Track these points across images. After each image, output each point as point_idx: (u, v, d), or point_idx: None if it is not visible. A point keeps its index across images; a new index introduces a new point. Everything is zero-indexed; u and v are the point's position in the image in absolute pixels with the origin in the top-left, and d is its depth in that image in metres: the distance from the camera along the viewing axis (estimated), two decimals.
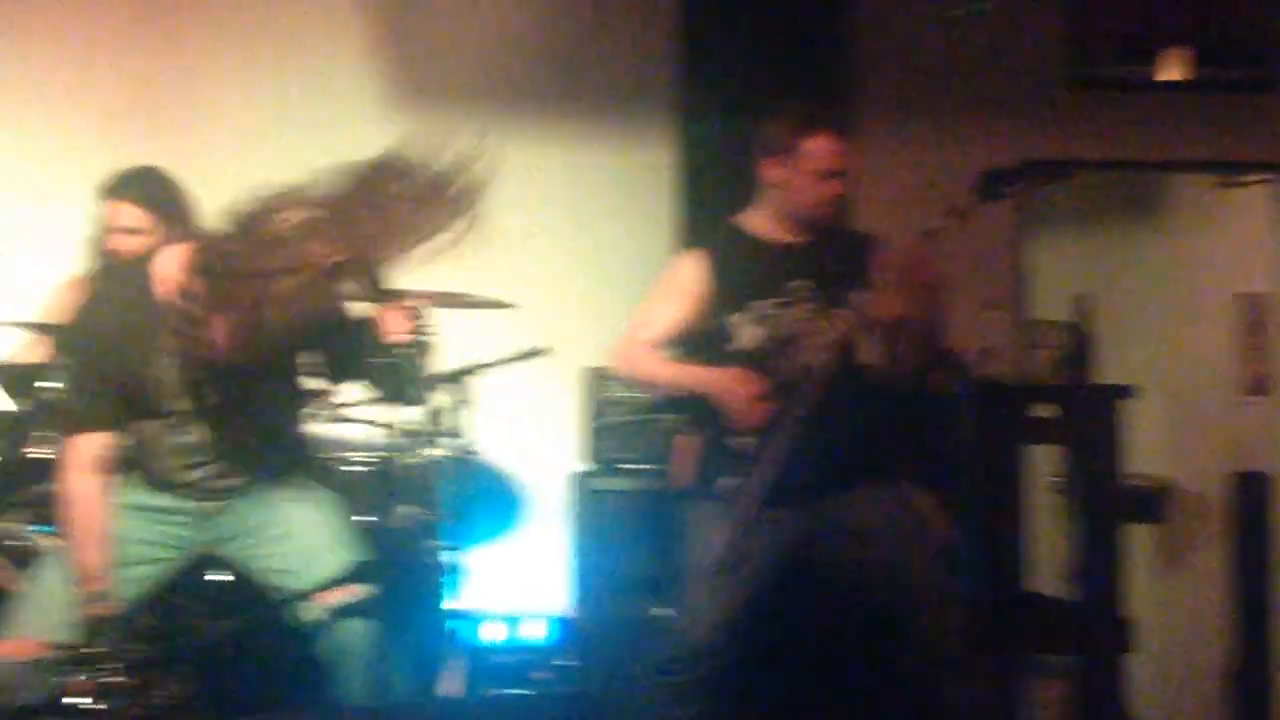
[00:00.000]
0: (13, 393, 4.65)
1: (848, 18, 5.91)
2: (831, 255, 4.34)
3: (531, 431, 5.85)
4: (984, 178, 4.42)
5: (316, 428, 4.25)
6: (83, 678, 3.33)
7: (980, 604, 4.44)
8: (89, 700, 3.29)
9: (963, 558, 4.44)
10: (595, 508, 5.44)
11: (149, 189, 4.69)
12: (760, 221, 4.45)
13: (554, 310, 5.80)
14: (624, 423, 5.48)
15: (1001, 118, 6.11)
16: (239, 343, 3.45)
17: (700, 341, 4.39)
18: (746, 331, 4.33)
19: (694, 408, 4.35)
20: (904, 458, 4.40)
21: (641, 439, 5.45)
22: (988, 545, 4.88)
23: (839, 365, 4.24)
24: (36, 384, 4.55)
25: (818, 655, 4.70)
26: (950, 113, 6.17)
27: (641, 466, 5.42)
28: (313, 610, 3.71)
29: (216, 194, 4.86)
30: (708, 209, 5.68)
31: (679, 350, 4.44)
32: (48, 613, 3.60)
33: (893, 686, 4.37)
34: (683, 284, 4.43)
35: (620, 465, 5.47)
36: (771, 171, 4.39)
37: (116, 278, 4.05)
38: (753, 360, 4.30)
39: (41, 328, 4.83)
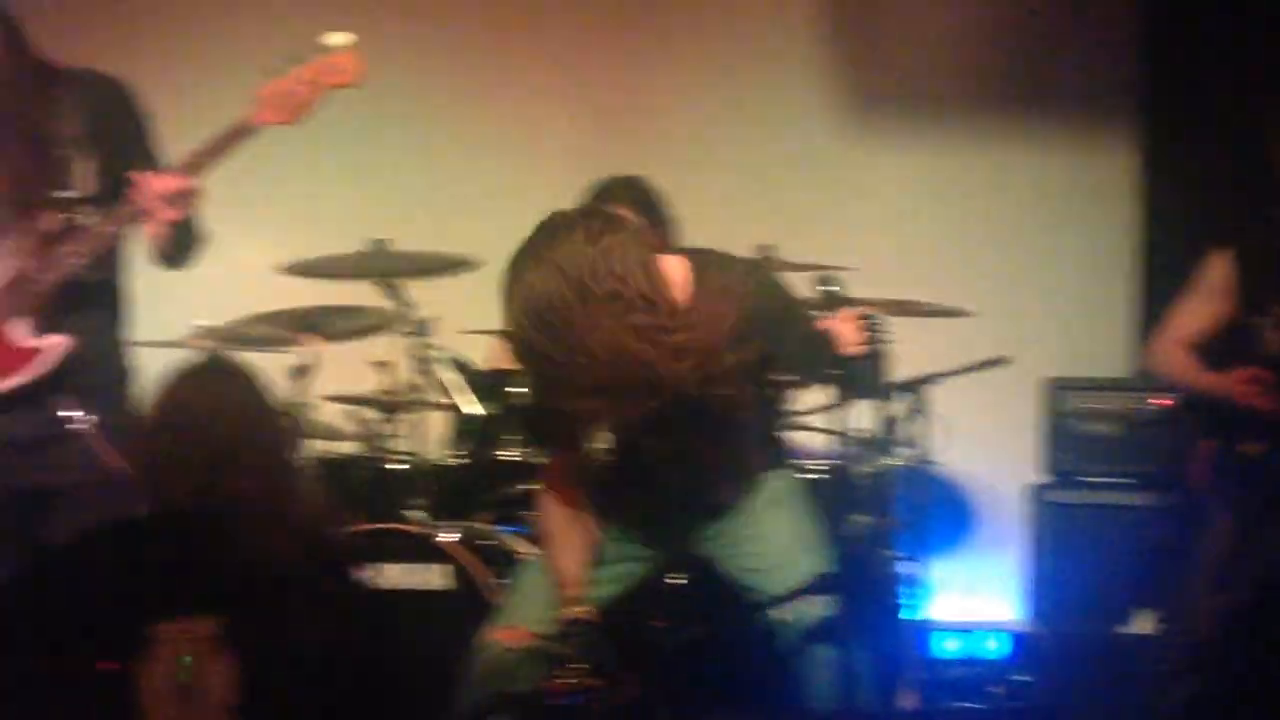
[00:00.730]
0: (483, 397, 4.82)
1: None
2: None
3: (988, 442, 5.75)
4: None
5: (783, 433, 4.27)
6: (555, 677, 3.42)
7: None
8: (561, 699, 3.37)
9: None
10: (1054, 520, 5.33)
11: (639, 195, 4.81)
12: None
13: (1014, 318, 5.69)
14: (1086, 434, 5.36)
15: None
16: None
17: (1227, 342, 4.24)
18: (1269, 333, 4.16)
19: (1210, 412, 4.21)
20: None
21: (1105, 451, 5.32)
22: None
23: None
24: (506, 389, 4.73)
25: None
26: None
27: (1104, 479, 5.29)
28: (780, 614, 3.72)
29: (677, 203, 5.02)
30: (1175, 213, 5.49)
31: (1206, 350, 4.30)
32: (528, 608, 3.71)
33: None
34: (1210, 281, 4.29)
35: (1081, 477, 5.35)
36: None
37: None
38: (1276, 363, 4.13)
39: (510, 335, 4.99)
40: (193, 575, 3.03)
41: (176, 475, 3.08)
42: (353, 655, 3.08)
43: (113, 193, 3.54)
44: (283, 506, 3.13)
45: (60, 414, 3.58)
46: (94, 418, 3.58)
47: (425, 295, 4.92)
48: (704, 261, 3.47)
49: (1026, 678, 5.33)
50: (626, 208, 4.69)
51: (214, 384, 3.19)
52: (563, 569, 3.66)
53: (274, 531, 3.08)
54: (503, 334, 4.81)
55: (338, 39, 3.54)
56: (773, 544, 3.74)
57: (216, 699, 3.00)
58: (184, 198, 3.51)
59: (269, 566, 3.05)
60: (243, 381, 3.20)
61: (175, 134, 3.69)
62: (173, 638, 2.99)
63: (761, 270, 3.89)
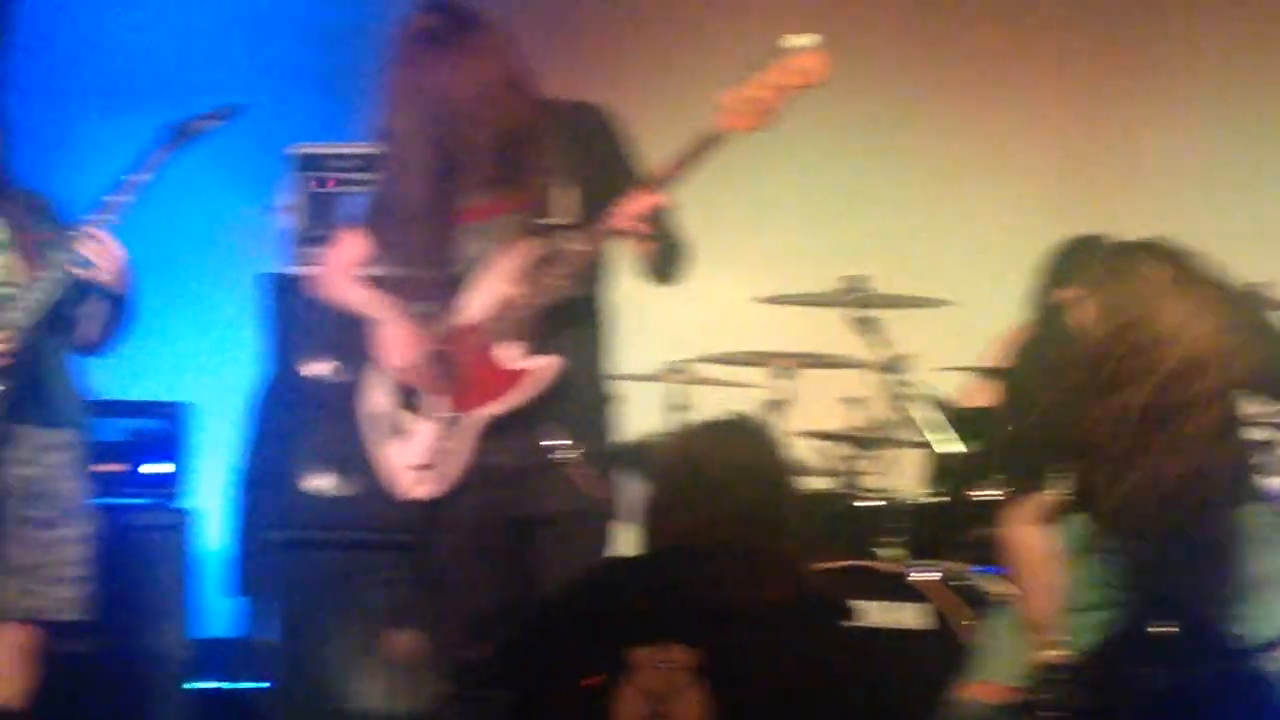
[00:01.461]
0: (962, 435, 4.75)
1: None
2: None
3: None
4: None
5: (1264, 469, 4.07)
6: None
7: None
8: None
9: None
10: None
11: (1163, 253, 4.66)
12: None
13: None
14: None
15: None
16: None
17: None
18: None
19: None
20: None
21: None
22: None
23: None
24: (984, 427, 4.65)
25: None
26: None
27: None
28: (1267, 662, 3.52)
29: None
30: None
31: None
32: (1003, 657, 3.62)
33: None
34: None
35: None
36: None
37: (1054, 326, 4.05)
38: None
39: (988, 372, 4.91)
40: (679, 606, 3.11)
41: (694, 515, 3.17)
42: (826, 696, 3.10)
43: (594, 218, 3.61)
44: (778, 551, 3.19)
45: (544, 443, 3.65)
46: (577, 446, 3.64)
47: (901, 330, 4.87)
48: (1193, 294, 3.36)
49: None
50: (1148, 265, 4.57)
51: (736, 438, 3.29)
52: (1038, 613, 3.57)
53: (769, 574, 3.15)
54: (985, 371, 4.78)
55: (800, 40, 3.50)
56: (1254, 586, 3.55)
57: None
58: (657, 212, 3.56)
59: (756, 605, 3.12)
60: (762, 438, 3.32)
61: (654, 151, 3.72)
62: (650, 663, 3.07)
63: (1252, 302, 3.73)
